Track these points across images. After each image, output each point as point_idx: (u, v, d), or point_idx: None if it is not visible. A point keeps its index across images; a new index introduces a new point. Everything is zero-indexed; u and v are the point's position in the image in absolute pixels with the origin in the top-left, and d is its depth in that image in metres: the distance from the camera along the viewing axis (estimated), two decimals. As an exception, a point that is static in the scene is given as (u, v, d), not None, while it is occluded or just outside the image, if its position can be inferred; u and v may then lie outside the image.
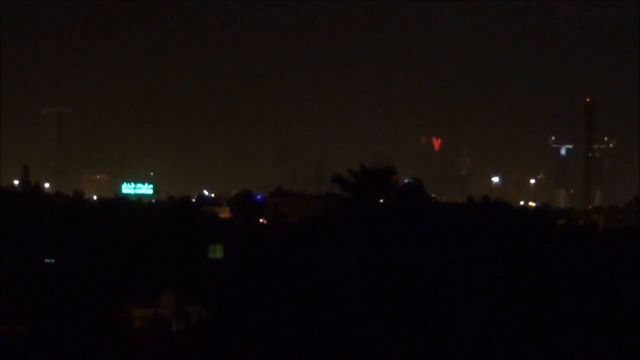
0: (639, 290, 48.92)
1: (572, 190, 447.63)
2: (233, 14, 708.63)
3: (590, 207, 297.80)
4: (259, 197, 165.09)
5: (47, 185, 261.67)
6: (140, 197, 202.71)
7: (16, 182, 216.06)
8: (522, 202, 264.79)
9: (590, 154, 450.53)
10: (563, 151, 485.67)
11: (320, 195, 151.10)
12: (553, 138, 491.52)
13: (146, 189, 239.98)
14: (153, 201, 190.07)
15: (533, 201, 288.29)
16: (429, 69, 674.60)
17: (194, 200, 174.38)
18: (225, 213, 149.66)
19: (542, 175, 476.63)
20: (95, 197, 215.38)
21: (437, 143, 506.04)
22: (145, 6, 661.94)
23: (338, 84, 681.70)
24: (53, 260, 77.25)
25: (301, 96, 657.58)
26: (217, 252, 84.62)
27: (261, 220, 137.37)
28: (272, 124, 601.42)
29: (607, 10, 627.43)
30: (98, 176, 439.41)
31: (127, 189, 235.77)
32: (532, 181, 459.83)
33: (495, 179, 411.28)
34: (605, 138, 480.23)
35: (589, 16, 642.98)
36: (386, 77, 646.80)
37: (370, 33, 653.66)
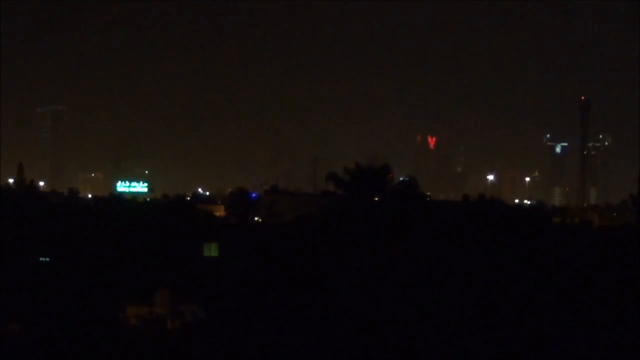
0: (635, 288, 48.95)
1: (567, 188, 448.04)
2: (229, 12, 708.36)
3: (585, 205, 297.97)
4: (254, 195, 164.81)
5: (42, 183, 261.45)
6: (135, 196, 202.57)
7: (11, 180, 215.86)
8: (517, 200, 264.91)
9: (585, 152, 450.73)
10: (558, 149, 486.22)
11: (315, 194, 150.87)
12: (548, 136, 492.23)
13: (141, 187, 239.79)
14: (148, 199, 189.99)
15: (528, 199, 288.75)
16: (424, 68, 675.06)
17: (188, 198, 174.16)
18: (220, 211, 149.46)
19: (537, 173, 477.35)
20: (90, 196, 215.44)
21: (432, 141, 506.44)
22: (141, 5, 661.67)
23: (333, 82, 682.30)
24: (48, 259, 76.93)
25: (296, 94, 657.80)
26: (212, 250, 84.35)
27: (256, 218, 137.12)
28: (267, 122, 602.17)
29: (603, 9, 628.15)
30: (93, 174, 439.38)
31: (122, 187, 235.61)
32: (527, 179, 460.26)
33: (491, 177, 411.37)
34: (601, 136, 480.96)
35: (584, 14, 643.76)
36: (382, 75, 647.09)
37: (366, 31, 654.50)
